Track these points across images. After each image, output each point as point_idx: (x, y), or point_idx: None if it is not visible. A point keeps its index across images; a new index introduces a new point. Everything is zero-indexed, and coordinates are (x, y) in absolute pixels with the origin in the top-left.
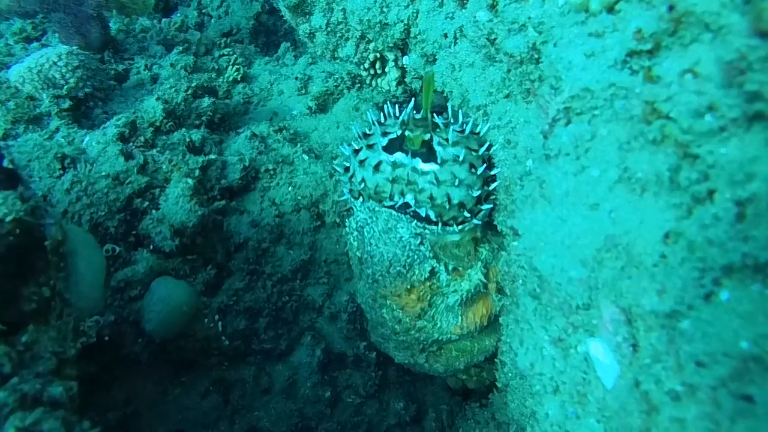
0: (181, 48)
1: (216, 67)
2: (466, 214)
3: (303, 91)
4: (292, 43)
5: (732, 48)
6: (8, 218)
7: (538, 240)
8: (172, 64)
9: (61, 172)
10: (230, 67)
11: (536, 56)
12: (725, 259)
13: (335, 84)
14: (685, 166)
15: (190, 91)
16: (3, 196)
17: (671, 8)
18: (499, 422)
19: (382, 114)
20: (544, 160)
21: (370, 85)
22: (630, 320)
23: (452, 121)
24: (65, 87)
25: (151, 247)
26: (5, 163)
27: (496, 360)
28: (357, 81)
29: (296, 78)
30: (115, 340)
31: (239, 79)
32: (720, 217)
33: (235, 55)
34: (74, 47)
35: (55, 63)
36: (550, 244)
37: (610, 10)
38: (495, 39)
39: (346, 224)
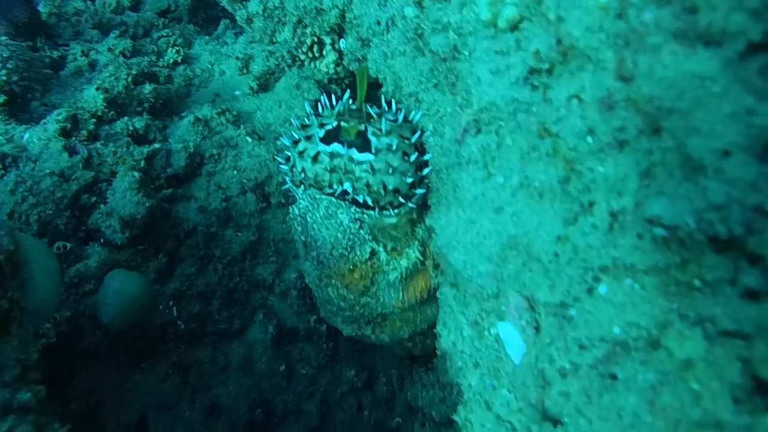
0: (117, 32)
1: (155, 49)
2: (402, 199)
3: (244, 71)
4: (232, 20)
5: (603, 86)
6: None
7: (452, 239)
8: (110, 49)
9: (2, 172)
10: (170, 49)
11: (458, 56)
12: (601, 261)
13: (276, 63)
14: (573, 178)
15: (130, 79)
16: None
17: (559, 41)
18: (443, 384)
19: (319, 104)
20: (457, 166)
21: (310, 66)
22: (532, 307)
23: (386, 110)
24: None
25: (102, 240)
26: None
27: (435, 330)
28: (298, 59)
29: (237, 58)
30: (73, 334)
31: (179, 60)
32: (597, 226)
33: (174, 36)
34: (2, 37)
35: None
36: (462, 243)
37: (514, 28)
38: (422, 34)
39: (290, 211)
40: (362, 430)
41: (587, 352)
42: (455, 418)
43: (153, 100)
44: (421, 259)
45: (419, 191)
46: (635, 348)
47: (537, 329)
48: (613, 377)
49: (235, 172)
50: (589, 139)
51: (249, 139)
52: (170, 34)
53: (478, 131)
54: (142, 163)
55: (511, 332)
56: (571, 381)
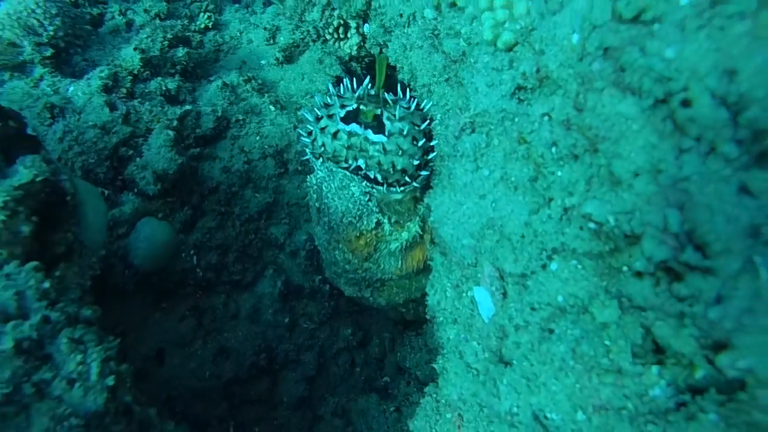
0: None
1: (188, 13)
2: (407, 179)
3: (271, 42)
4: None
5: (565, 111)
6: (38, 179)
7: (444, 216)
8: (146, 10)
9: (51, 120)
10: (202, 14)
11: (465, 61)
12: (553, 244)
13: (302, 36)
14: (540, 178)
15: (166, 42)
16: (31, 159)
17: (538, 70)
18: (430, 348)
19: (341, 85)
20: (453, 157)
21: (334, 45)
22: (502, 276)
23: (401, 97)
24: (44, 35)
25: (136, 190)
26: (29, 131)
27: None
28: (322, 36)
29: (265, 28)
30: (105, 272)
31: (210, 26)
32: (552, 216)
33: (207, 2)
34: None
35: (33, 10)
36: (451, 219)
37: (510, 50)
38: (438, 35)
39: (308, 180)
40: (353, 385)
41: (536, 313)
42: (434, 365)
43: (185, 63)
44: (421, 233)
45: (424, 173)
46: (570, 312)
47: (504, 295)
48: (551, 332)
49: (257, 137)
50: (553, 149)
51: (272, 108)
52: None
53: (473, 131)
54: (175, 122)
55: (484, 296)
56: (522, 334)
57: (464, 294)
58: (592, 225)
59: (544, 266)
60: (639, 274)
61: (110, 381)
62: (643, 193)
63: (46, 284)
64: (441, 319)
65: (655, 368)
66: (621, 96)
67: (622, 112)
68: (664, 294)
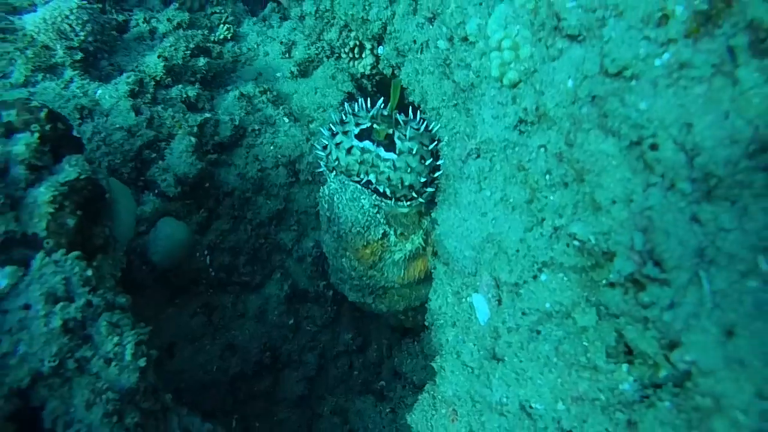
0: (177, 3)
1: (208, 24)
2: (414, 194)
3: (287, 56)
4: (278, 3)
5: (558, 145)
6: (82, 176)
7: (448, 230)
8: (169, 19)
9: (80, 121)
10: (221, 25)
11: (474, 91)
12: (544, 258)
13: (316, 52)
14: (534, 201)
15: (188, 51)
16: (76, 159)
17: (537, 107)
18: (426, 354)
19: (356, 104)
20: (459, 178)
21: (348, 64)
22: (498, 285)
23: (411, 118)
24: (75, 39)
25: (156, 191)
26: (74, 133)
27: (427, 305)
28: (336, 52)
29: (281, 42)
30: (125, 266)
31: (229, 37)
32: (544, 234)
33: (226, 14)
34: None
35: (66, 16)
36: (455, 233)
37: (514, 86)
38: (449, 64)
39: (320, 191)
40: (351, 387)
41: (526, 317)
42: (432, 364)
43: (205, 72)
44: (423, 245)
45: (429, 189)
46: (555, 316)
47: (499, 301)
48: (538, 332)
49: (271, 147)
50: (547, 177)
51: (286, 119)
52: (223, 11)
53: (478, 156)
54: (196, 129)
55: (481, 302)
56: (513, 335)
57: (464, 300)
58: (576, 243)
59: (535, 277)
60: (612, 285)
61: (142, 362)
62: (618, 217)
63: (89, 272)
64: (441, 322)
65: (625, 366)
66: (604, 137)
67: (604, 150)
68: (632, 301)
